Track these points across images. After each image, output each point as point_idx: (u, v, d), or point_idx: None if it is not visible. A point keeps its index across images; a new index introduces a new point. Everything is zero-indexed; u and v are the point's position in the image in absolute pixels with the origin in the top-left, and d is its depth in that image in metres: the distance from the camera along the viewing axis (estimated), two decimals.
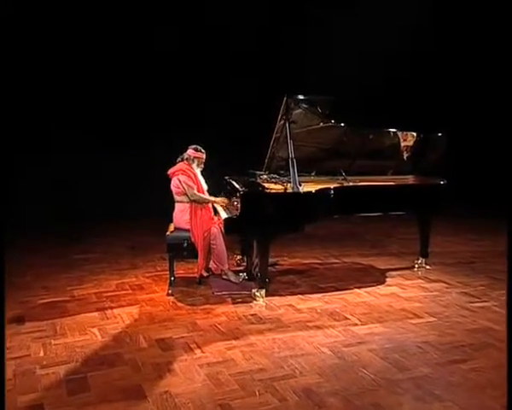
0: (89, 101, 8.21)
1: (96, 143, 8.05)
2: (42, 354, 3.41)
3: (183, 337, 3.65)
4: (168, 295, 4.56)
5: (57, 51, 7.93)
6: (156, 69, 8.39)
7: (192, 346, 3.50)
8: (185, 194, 4.62)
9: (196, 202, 4.62)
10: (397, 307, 4.34)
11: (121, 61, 8.25)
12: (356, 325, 3.92)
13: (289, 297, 4.53)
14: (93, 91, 8.19)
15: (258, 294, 4.43)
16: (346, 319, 4.05)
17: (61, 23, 7.81)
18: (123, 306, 4.33)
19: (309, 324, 3.93)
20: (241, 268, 5.23)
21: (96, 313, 4.15)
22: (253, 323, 3.94)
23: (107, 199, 8.07)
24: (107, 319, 4.05)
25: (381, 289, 4.84)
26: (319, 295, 4.62)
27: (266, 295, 4.45)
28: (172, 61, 8.33)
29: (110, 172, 8.23)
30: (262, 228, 4.37)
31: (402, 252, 6.25)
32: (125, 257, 6.02)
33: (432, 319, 4.07)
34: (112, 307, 4.28)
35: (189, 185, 4.60)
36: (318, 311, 4.20)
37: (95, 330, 3.81)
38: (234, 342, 3.56)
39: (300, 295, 4.59)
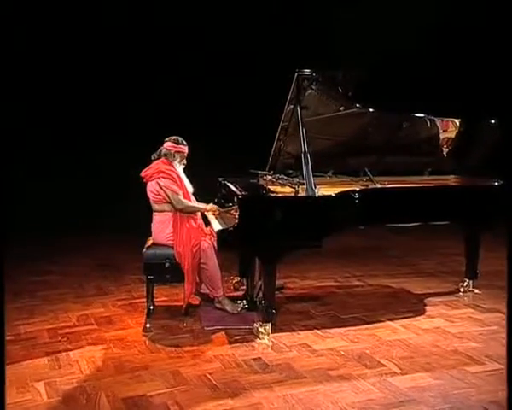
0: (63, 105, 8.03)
1: (59, 143, 7.88)
2: None
3: (160, 395, 3.08)
4: (145, 331, 4.06)
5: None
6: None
7: (173, 408, 2.94)
8: (167, 202, 4.20)
9: (182, 212, 4.18)
10: (446, 347, 3.71)
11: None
12: (395, 374, 3.31)
13: (302, 333, 3.99)
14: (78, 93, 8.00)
15: (262, 329, 3.89)
16: (381, 365, 3.44)
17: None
18: (83, 347, 3.77)
19: (331, 372, 3.34)
20: (239, 294, 4.76)
21: (45, 359, 3.55)
22: (256, 372, 3.36)
23: (70, 207, 7.65)
24: (60, 367, 3.45)
25: (422, 321, 4.23)
26: (341, 329, 4.05)
27: (272, 331, 3.92)
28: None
29: (73, 175, 7.95)
30: (267, 243, 3.90)
31: (440, 271, 5.71)
32: (92, 279, 5.50)
33: (497, 365, 3.40)
34: (68, 350, 3.70)
35: (173, 190, 4.16)
36: (342, 353, 3.63)
37: (40, 385, 3.19)
38: (230, 402, 2.99)
39: (317, 331, 4.04)
